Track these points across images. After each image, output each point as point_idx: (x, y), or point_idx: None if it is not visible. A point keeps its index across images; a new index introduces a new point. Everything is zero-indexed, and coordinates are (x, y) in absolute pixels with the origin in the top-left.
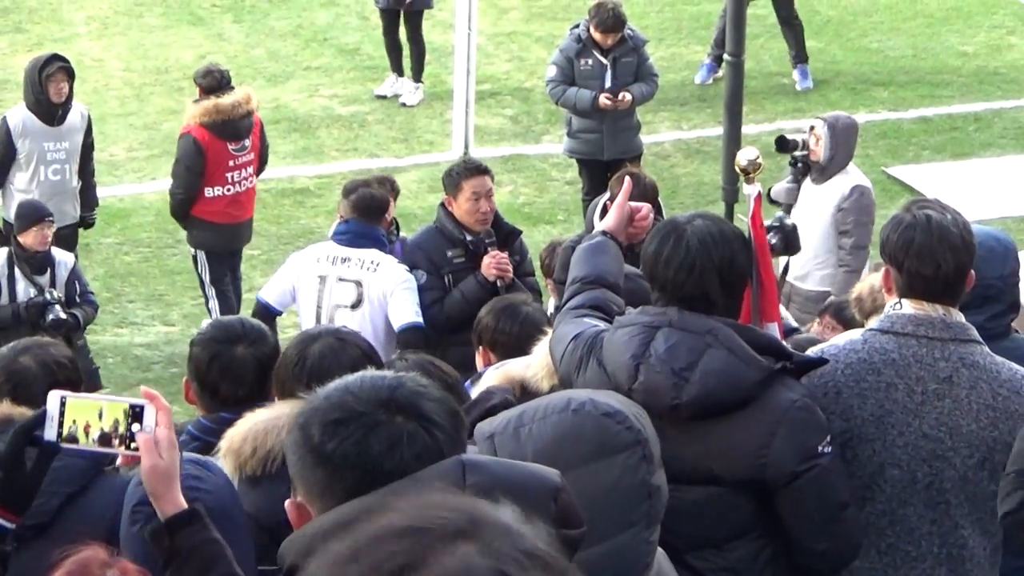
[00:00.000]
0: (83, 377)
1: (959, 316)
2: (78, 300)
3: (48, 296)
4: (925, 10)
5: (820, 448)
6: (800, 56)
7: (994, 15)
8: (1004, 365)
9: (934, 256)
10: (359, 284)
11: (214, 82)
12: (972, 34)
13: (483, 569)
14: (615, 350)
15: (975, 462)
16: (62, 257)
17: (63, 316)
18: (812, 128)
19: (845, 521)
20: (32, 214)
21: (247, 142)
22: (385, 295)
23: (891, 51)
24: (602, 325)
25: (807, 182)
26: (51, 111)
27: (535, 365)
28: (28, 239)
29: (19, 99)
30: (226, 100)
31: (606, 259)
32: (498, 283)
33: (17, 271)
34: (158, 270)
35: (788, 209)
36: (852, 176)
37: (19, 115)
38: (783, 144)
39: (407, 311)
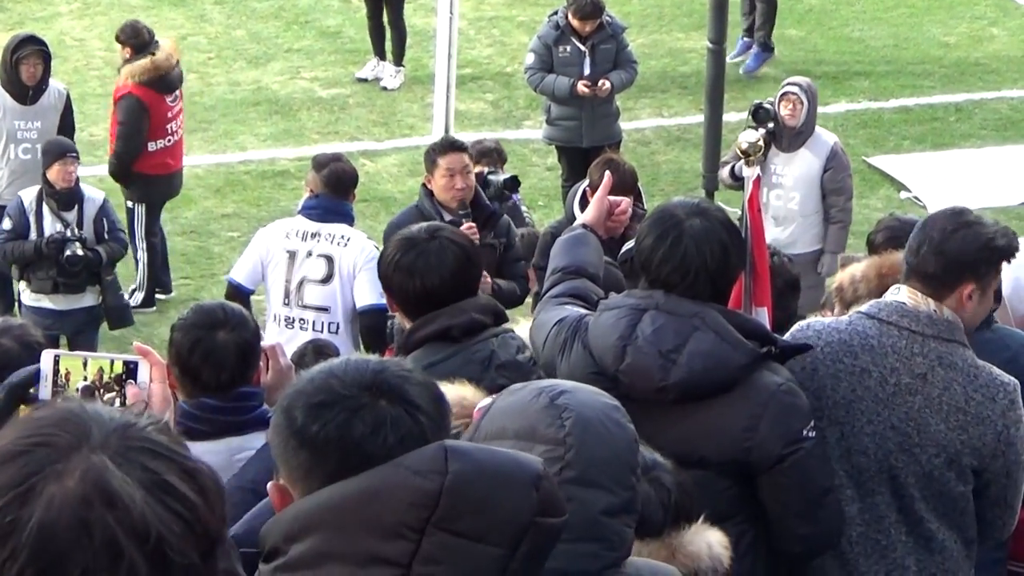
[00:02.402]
0: (113, 312)
1: (951, 315)
2: (106, 237)
3: (69, 233)
4: (907, 0)
5: (804, 432)
6: (765, 39)
7: (976, 6)
8: (984, 369)
9: (923, 248)
10: (330, 259)
11: (144, 41)
12: (954, 25)
13: (97, 473)
14: (601, 332)
15: (941, 462)
16: (92, 194)
17: (80, 253)
18: (784, 95)
19: (827, 506)
20: (54, 149)
21: (178, 92)
22: (355, 268)
23: (873, 40)
24: (584, 310)
25: (773, 152)
26: (23, 90)
27: None
28: (52, 174)
29: None
30: (160, 56)
31: (586, 250)
32: None
33: (45, 207)
34: None
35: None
36: (824, 135)
37: None
38: (764, 114)
39: (370, 292)
